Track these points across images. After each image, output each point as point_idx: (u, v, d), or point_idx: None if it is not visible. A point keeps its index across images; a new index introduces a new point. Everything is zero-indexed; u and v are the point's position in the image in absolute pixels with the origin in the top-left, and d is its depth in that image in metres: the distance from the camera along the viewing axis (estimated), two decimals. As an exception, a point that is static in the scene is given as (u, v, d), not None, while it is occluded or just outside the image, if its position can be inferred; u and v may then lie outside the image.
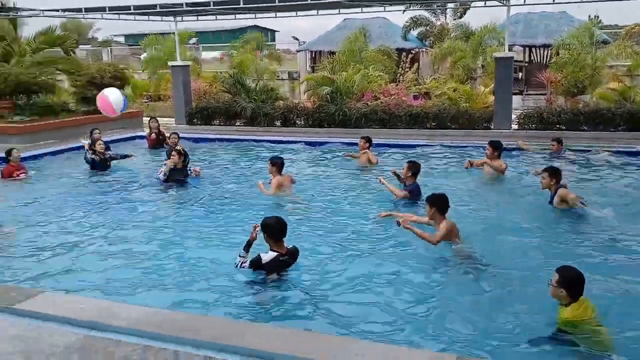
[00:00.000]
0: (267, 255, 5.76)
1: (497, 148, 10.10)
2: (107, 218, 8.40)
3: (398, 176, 9.27)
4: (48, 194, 9.81)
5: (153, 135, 14.34)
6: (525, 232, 7.35)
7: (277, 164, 9.33)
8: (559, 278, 4.62)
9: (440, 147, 13.35)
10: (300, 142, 14.68)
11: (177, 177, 10.27)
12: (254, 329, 4.27)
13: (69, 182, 10.93)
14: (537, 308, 5.10)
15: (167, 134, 13.70)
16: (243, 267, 5.76)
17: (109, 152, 12.04)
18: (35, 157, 13.19)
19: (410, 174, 8.85)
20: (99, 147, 11.66)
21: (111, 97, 11.43)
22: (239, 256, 5.78)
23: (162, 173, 10.20)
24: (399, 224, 6.73)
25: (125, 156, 12.18)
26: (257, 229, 5.87)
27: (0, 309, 4.54)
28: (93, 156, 11.55)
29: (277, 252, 5.81)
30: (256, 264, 5.73)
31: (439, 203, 6.78)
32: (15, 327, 4.25)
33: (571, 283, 4.59)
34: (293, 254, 5.99)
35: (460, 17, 27.59)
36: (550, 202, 8.12)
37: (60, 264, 6.52)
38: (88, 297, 5.06)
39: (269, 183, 9.23)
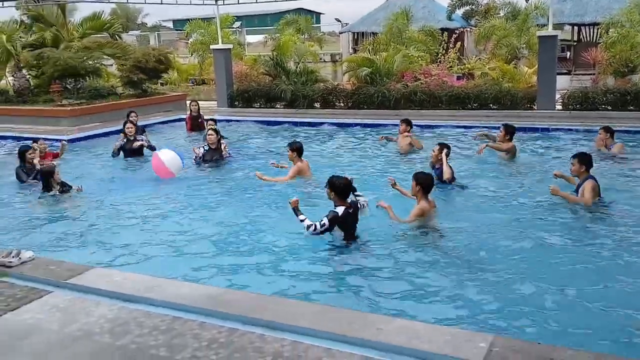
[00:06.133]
0: (340, 209, 6.10)
1: (508, 132, 10.10)
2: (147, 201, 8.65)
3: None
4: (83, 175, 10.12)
5: (193, 114, 14.40)
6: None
7: (297, 149, 9.06)
8: None
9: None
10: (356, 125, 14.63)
11: (214, 157, 10.46)
12: (276, 303, 4.40)
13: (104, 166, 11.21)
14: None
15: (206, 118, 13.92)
16: (316, 230, 6.04)
17: (142, 137, 11.63)
18: (83, 139, 13.73)
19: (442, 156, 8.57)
20: (128, 130, 11.27)
21: (164, 158, 9.52)
22: (302, 221, 6.09)
23: (197, 156, 10.38)
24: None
25: (153, 147, 11.30)
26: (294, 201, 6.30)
27: (49, 282, 4.81)
28: (122, 142, 11.19)
29: (344, 206, 6.15)
30: (334, 218, 6.04)
31: (425, 182, 6.78)
32: (56, 299, 4.50)
33: None
34: (355, 206, 6.28)
35: None
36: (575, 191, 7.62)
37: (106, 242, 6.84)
38: (130, 272, 5.25)
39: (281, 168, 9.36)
